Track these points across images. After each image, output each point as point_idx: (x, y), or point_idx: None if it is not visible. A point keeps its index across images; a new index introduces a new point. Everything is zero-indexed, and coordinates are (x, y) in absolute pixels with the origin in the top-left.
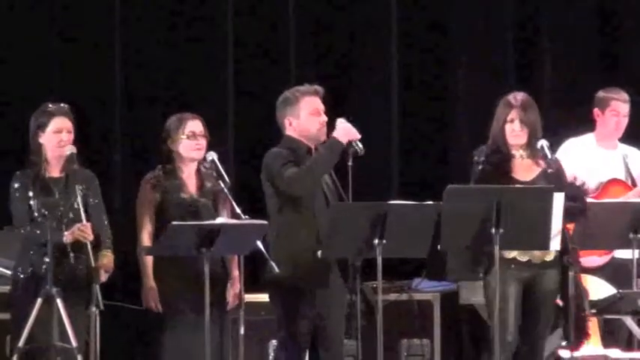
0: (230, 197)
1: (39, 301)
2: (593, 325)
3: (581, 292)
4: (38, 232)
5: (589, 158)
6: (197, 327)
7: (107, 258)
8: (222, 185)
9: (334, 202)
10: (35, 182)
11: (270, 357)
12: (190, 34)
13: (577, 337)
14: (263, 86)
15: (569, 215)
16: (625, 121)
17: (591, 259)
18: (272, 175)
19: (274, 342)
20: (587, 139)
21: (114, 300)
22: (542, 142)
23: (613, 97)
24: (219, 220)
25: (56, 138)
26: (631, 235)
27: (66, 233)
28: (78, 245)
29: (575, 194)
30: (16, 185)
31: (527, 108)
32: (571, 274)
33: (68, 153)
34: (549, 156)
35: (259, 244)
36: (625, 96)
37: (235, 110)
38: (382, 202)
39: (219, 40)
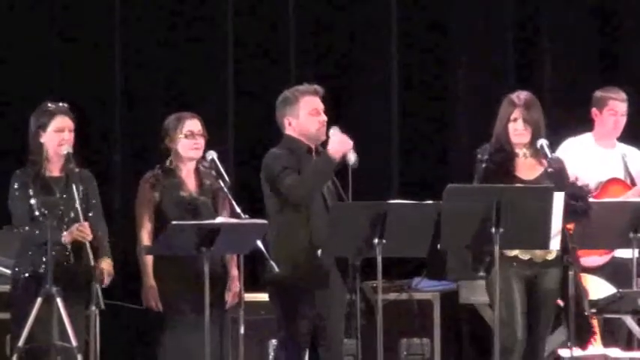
0: (230, 196)
1: (39, 300)
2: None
3: (580, 291)
4: (37, 232)
5: (588, 158)
6: (197, 326)
7: (107, 264)
8: (222, 184)
9: (334, 202)
10: (35, 181)
11: (270, 357)
12: (190, 34)
13: (583, 336)
14: (263, 86)
15: (571, 215)
16: (623, 121)
17: (591, 258)
18: (271, 178)
19: (274, 341)
20: (586, 138)
21: (114, 299)
22: (542, 142)
23: (611, 97)
24: (219, 220)
25: (58, 137)
26: (631, 235)
27: (65, 233)
28: (77, 245)
29: (578, 194)
30: (17, 184)
31: (531, 107)
32: (571, 273)
33: (65, 152)
34: (549, 155)
35: (259, 243)
36: (623, 95)
37: (235, 110)
38: (382, 201)
39: (219, 40)
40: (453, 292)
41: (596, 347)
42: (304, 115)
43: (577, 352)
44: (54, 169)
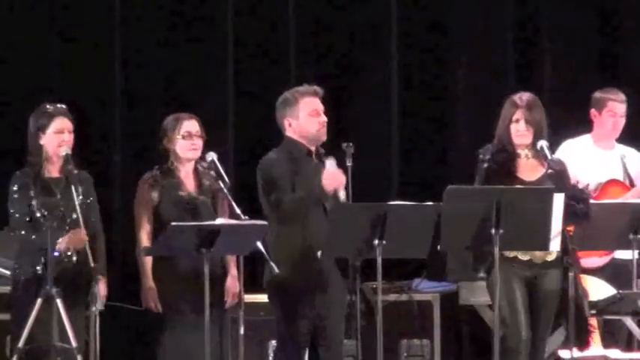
0: (230, 197)
1: (39, 301)
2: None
3: (580, 293)
4: (34, 237)
5: (587, 159)
6: (196, 327)
7: (102, 287)
8: (222, 185)
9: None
10: (36, 182)
11: (270, 357)
12: (190, 34)
13: (582, 337)
14: (263, 86)
15: (572, 217)
16: (622, 122)
17: (591, 259)
18: (263, 186)
19: (274, 342)
20: (585, 139)
21: (113, 300)
22: (542, 143)
23: (610, 98)
24: (219, 221)
25: (58, 138)
26: (631, 236)
27: (59, 241)
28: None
29: (579, 197)
30: (16, 186)
31: (533, 108)
32: (571, 274)
33: (63, 154)
34: (549, 156)
35: (259, 244)
36: (622, 96)
37: (235, 110)
38: (382, 202)
39: (219, 40)
40: (453, 293)
41: (596, 348)
42: (304, 116)
43: (577, 352)
44: (53, 170)
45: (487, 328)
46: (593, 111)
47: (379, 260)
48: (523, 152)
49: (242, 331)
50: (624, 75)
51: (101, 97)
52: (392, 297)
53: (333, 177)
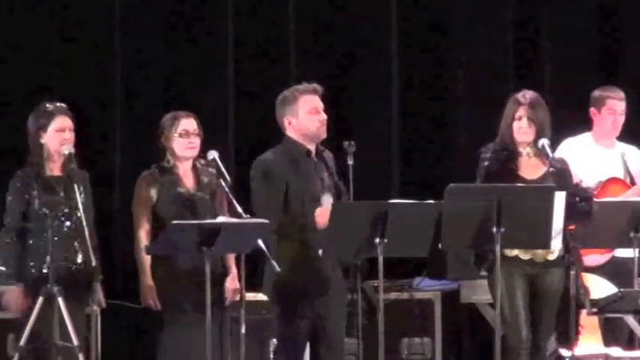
0: (231, 196)
1: (40, 299)
2: (592, 323)
3: (581, 291)
4: (31, 241)
5: (587, 157)
6: (196, 325)
7: (100, 294)
8: (224, 183)
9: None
10: (37, 181)
11: (271, 356)
12: (190, 34)
13: (572, 335)
14: (263, 86)
15: (574, 216)
16: (622, 119)
17: (591, 257)
18: (251, 189)
19: (275, 341)
20: (585, 138)
21: (115, 299)
22: (543, 141)
23: (609, 96)
24: (220, 219)
25: (59, 137)
26: (632, 234)
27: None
28: (78, 243)
29: (583, 195)
30: (18, 184)
31: (536, 106)
32: (572, 273)
33: (66, 152)
34: (550, 155)
35: (260, 242)
36: (621, 94)
37: (235, 110)
38: (383, 201)
39: (219, 40)
40: (454, 291)
41: (597, 346)
42: (304, 114)
43: (578, 351)
44: (54, 169)
45: (488, 327)
46: (592, 109)
47: (380, 259)
48: (524, 151)
49: (243, 329)
50: (624, 75)
51: (101, 97)
52: (393, 295)
53: (327, 214)
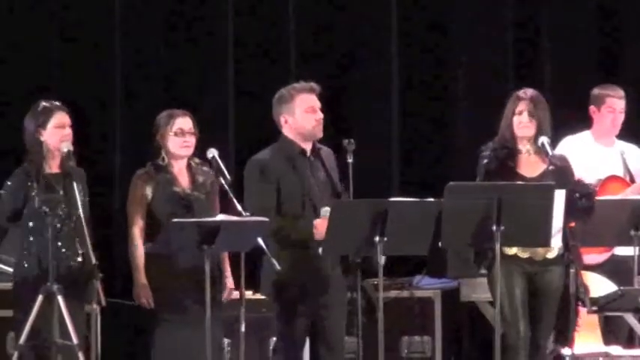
0: (231, 193)
1: (40, 298)
2: (592, 321)
3: (581, 289)
4: (31, 239)
5: (587, 155)
6: (192, 324)
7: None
8: (223, 182)
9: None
10: (37, 179)
11: (270, 354)
12: (190, 34)
13: (570, 334)
14: (263, 86)
15: (575, 213)
16: (621, 118)
17: (591, 256)
18: (244, 188)
19: (274, 339)
20: (585, 136)
21: (115, 297)
22: (543, 139)
23: (608, 94)
24: (220, 217)
25: (59, 133)
26: (632, 232)
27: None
28: (77, 242)
29: (584, 191)
30: (15, 179)
31: (537, 102)
32: (572, 271)
33: (65, 150)
34: (550, 152)
35: (260, 241)
36: (620, 92)
37: (235, 110)
38: (383, 199)
39: (219, 40)
40: (454, 289)
41: (597, 344)
42: (300, 113)
43: (578, 349)
44: (53, 166)
45: (488, 325)
46: (592, 107)
47: (381, 259)
48: (524, 148)
49: (243, 328)
50: (624, 74)
51: (101, 97)
52: (393, 294)
53: (325, 226)
